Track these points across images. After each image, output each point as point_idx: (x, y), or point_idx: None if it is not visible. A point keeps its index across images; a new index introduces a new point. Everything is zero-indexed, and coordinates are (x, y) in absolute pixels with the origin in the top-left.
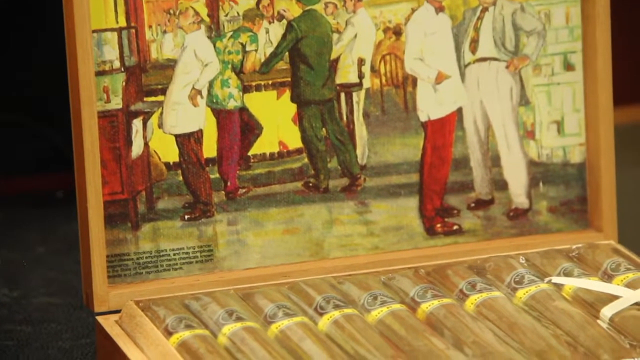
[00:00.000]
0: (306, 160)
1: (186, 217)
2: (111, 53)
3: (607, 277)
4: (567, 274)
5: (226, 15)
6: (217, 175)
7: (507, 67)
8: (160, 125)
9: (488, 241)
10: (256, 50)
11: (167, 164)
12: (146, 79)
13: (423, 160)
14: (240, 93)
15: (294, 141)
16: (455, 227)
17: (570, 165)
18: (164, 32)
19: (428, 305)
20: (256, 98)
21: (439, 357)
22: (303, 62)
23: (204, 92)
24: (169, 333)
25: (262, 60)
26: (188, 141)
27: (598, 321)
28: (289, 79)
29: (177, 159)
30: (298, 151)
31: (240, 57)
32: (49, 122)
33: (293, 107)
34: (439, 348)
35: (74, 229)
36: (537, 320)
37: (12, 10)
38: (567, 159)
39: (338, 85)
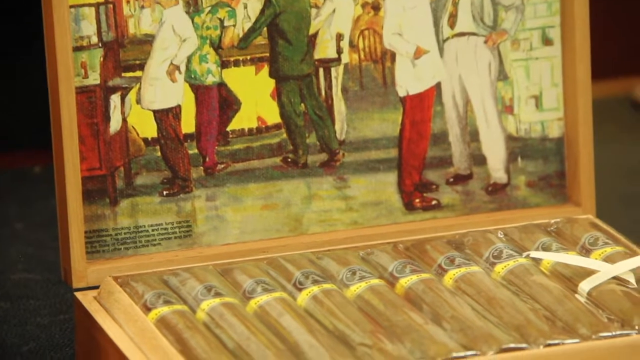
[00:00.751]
0: (285, 135)
1: (165, 192)
2: (89, 28)
3: (585, 252)
4: (546, 248)
5: None
6: (196, 150)
7: (485, 42)
8: (139, 101)
9: (466, 216)
10: (234, 26)
11: (145, 140)
12: (124, 54)
13: (402, 135)
14: (219, 68)
15: (273, 116)
16: (433, 202)
17: (549, 140)
18: (142, 7)
19: (407, 280)
20: (234, 73)
21: (417, 332)
22: (281, 37)
23: (182, 68)
24: (147, 309)
25: (241, 35)
26: (166, 117)
27: (576, 295)
28: (268, 54)
29: (155, 135)
30: (277, 126)
31: (218, 32)
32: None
33: (271, 83)
34: (417, 323)
35: (52, 205)
36: (515, 294)
37: None
38: (546, 133)
39: (316, 60)
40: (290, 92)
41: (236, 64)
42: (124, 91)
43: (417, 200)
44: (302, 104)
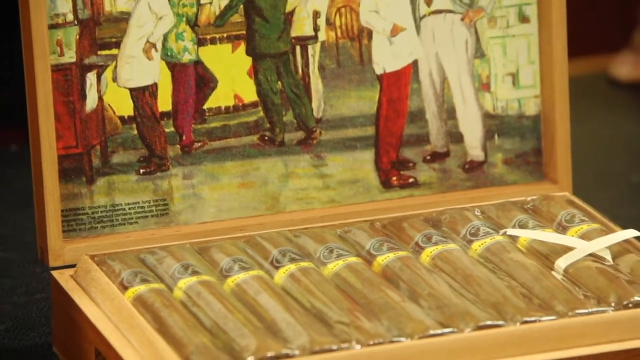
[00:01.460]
0: (262, 113)
1: (141, 171)
2: (64, 6)
3: (562, 229)
4: (522, 225)
5: None
6: (172, 129)
7: (462, 19)
8: (115, 79)
9: (443, 194)
10: (211, 3)
11: (121, 118)
12: (100, 32)
13: (379, 113)
14: (195, 46)
15: (250, 94)
16: (411, 180)
17: (526, 117)
18: None
19: (384, 258)
20: (211, 51)
21: (394, 310)
22: (258, 14)
23: (159, 46)
24: (124, 287)
25: (217, 13)
26: (143, 95)
27: (553, 272)
28: (244, 32)
29: (131, 113)
30: (253, 104)
31: (194, 10)
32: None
33: (248, 60)
34: (394, 300)
35: (28, 184)
36: (492, 272)
37: None
38: (522, 111)
39: (293, 38)
40: (267, 70)
41: (213, 41)
42: (100, 69)
43: (394, 178)
44: (279, 82)
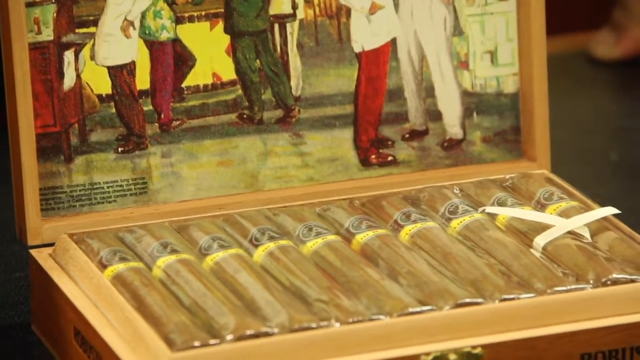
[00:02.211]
0: (240, 92)
1: (120, 149)
2: None
3: (540, 207)
4: (501, 203)
5: None
6: (151, 107)
7: None
8: (93, 57)
9: (422, 172)
10: None
11: (99, 96)
12: (77, 10)
13: (357, 91)
14: (173, 24)
15: (228, 73)
16: (389, 158)
17: (504, 95)
18: None
19: (363, 236)
20: (189, 29)
21: (374, 288)
22: None
23: (137, 24)
24: (103, 266)
25: None
26: (121, 73)
27: (531, 250)
28: (222, 10)
29: (109, 91)
30: (232, 83)
31: None
32: None
33: (226, 39)
34: (373, 279)
35: (6, 164)
36: (471, 250)
37: None
38: (501, 89)
39: (272, 16)
40: (245, 48)
41: (191, 19)
42: (78, 47)
43: (373, 156)
44: (258, 60)
